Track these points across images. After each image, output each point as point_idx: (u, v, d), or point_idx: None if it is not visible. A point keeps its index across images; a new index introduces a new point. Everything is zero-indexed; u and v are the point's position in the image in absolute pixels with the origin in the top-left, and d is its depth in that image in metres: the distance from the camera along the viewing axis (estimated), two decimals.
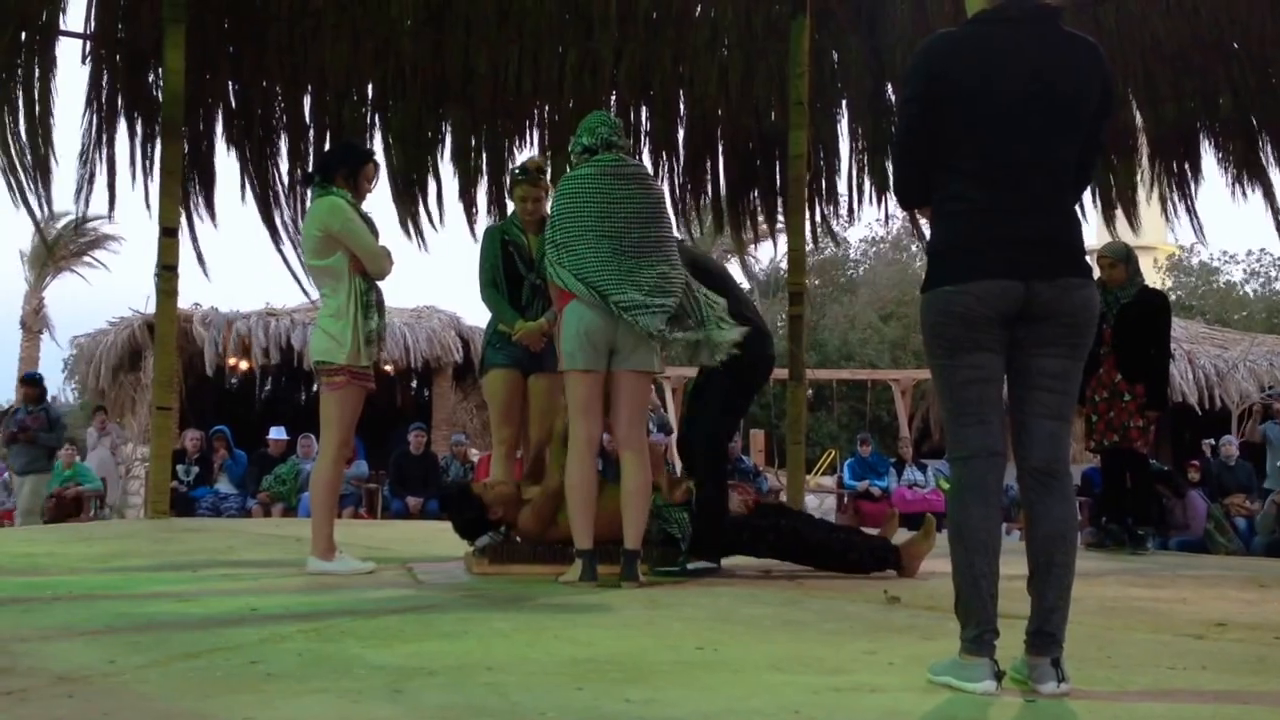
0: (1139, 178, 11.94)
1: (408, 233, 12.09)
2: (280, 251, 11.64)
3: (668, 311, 5.62)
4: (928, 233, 3.63)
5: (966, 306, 3.23)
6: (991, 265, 3.23)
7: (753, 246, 18.61)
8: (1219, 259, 33.74)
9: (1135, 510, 8.75)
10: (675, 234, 6.08)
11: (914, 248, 31.75)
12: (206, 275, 11.09)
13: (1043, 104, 3.27)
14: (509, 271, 6.54)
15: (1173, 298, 29.18)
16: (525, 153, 12.18)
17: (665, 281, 5.66)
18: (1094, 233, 20.22)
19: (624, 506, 5.64)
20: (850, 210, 12.70)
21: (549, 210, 6.11)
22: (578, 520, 5.63)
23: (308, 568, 6.01)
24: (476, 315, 21.40)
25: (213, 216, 11.40)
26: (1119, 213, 12.00)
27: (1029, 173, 3.27)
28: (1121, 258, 8.56)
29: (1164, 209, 11.96)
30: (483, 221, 12.06)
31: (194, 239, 11.27)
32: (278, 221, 11.69)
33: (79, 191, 10.90)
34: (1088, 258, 3.38)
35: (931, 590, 5.50)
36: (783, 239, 13.55)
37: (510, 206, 6.88)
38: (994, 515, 3.28)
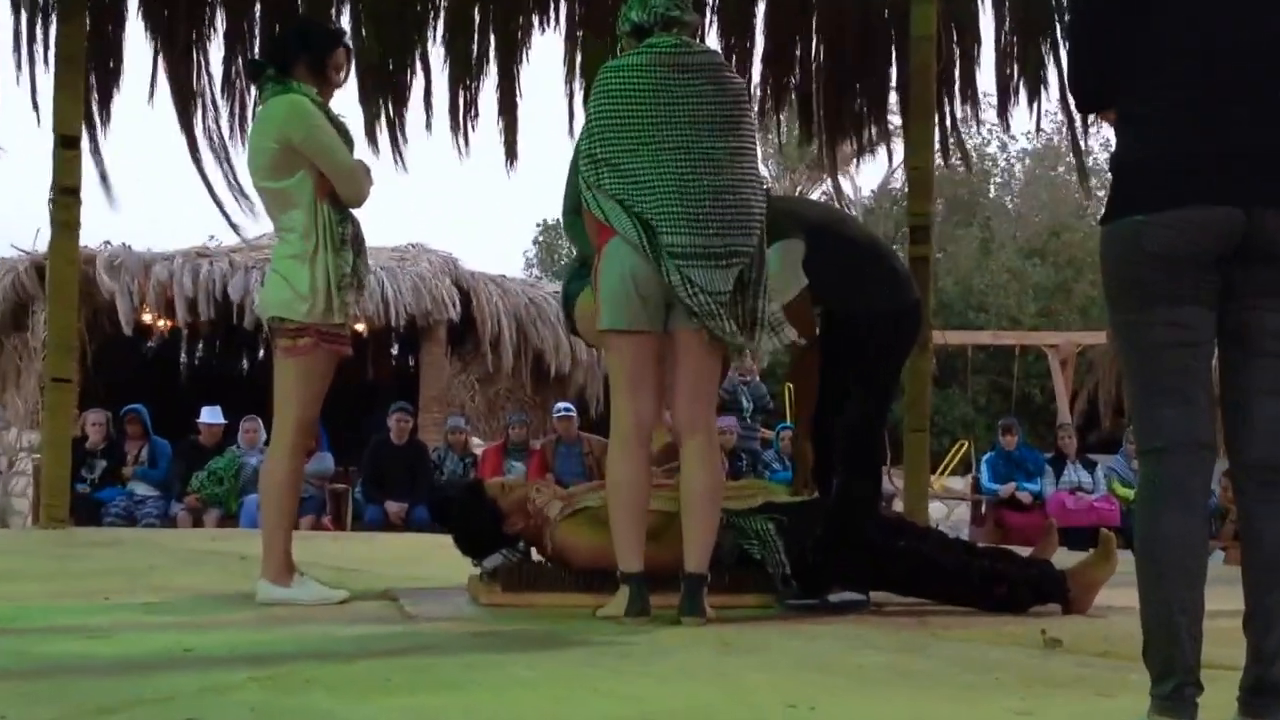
0: None
1: (395, 150, 12.09)
2: (202, 173, 11.63)
3: (743, 260, 5.52)
4: (1107, 144, 3.61)
5: (1165, 242, 3.22)
6: (1200, 186, 3.21)
7: (854, 164, 18.43)
8: None
9: None
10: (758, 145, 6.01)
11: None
12: (110, 201, 10.98)
13: None
14: None
15: None
16: (547, 36, 12.12)
17: (745, 215, 5.56)
18: None
19: (686, 514, 5.58)
20: (1002, 111, 12.60)
21: (588, 108, 6.01)
22: (623, 532, 5.56)
23: (258, 596, 6.06)
24: (478, 257, 21.39)
25: (101, 123, 11.31)
26: None
27: (1252, 61, 3.26)
28: None
29: None
30: (485, 130, 12.03)
31: (96, 152, 11.26)
32: (198, 130, 11.64)
33: None
34: None
35: (1106, 630, 5.50)
36: (898, 152, 13.57)
37: None
38: (1197, 529, 3.29)
